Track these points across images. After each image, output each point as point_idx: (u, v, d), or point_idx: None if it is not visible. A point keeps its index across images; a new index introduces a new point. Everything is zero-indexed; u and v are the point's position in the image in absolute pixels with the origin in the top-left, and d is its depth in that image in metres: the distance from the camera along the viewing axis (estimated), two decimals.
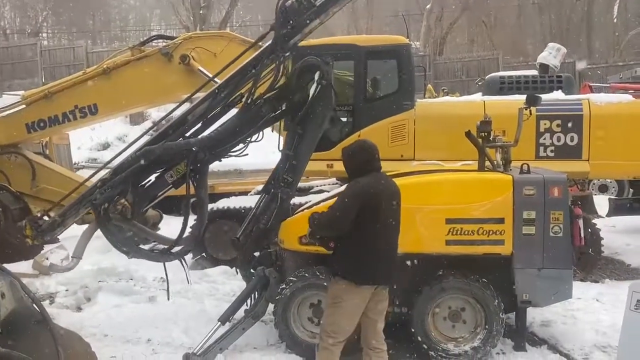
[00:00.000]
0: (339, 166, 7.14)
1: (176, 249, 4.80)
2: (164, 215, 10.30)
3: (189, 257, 7.96)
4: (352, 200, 3.61)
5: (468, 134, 5.05)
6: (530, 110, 5.21)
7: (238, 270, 5.21)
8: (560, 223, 4.50)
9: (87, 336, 5.33)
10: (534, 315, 5.51)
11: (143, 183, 4.64)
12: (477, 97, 7.87)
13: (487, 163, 5.08)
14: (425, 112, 7.37)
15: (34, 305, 3.81)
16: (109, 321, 5.73)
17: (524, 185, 4.52)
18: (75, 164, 14.21)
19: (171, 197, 11.55)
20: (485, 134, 5.14)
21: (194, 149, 4.41)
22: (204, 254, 7.79)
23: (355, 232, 3.60)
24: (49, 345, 3.66)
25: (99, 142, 18.21)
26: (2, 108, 9.27)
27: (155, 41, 9.90)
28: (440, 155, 6.62)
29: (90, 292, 6.56)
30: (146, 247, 4.99)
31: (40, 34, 33.83)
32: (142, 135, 4.94)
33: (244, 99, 4.54)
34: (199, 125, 4.61)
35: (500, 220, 4.54)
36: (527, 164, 4.78)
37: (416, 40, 28.95)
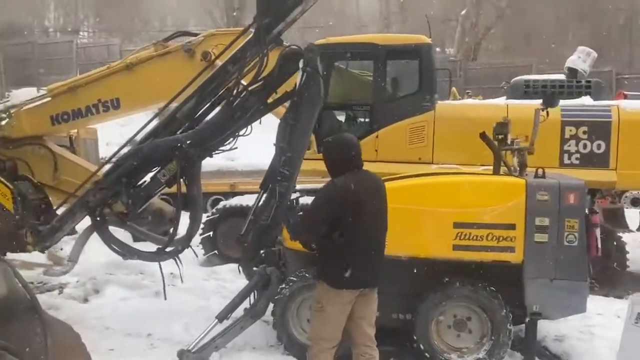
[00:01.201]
0: None
1: (169, 248, 4.72)
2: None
3: (200, 254, 7.97)
4: (325, 203, 3.47)
5: (483, 136, 4.84)
6: (547, 112, 4.96)
7: (241, 268, 5.11)
8: (575, 232, 4.25)
9: (88, 328, 5.34)
10: (548, 328, 5.24)
11: (139, 183, 4.59)
12: (501, 100, 7.61)
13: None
14: (446, 114, 7.15)
15: (26, 293, 3.80)
16: (113, 314, 5.71)
17: (538, 190, 4.29)
18: (102, 158, 14.44)
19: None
20: (502, 136, 4.93)
21: (183, 145, 4.33)
22: (215, 251, 7.74)
23: (335, 234, 3.44)
24: (38, 334, 3.62)
25: (128, 139, 18.43)
26: (29, 100, 9.47)
27: (180, 38, 9.95)
28: (460, 159, 6.41)
29: (99, 284, 6.57)
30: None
31: (80, 32, 34.72)
32: (140, 130, 4.87)
33: (229, 92, 4.45)
34: (188, 123, 4.53)
35: (511, 226, 4.31)
36: (543, 169, 4.54)
37: (450, 46, 28.66)
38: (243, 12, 24.75)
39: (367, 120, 7.40)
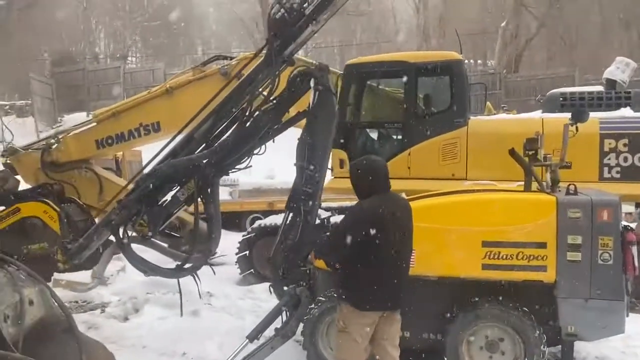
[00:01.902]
0: (391, 184, 7.10)
1: (188, 265, 4.83)
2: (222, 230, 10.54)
3: (236, 273, 8.09)
4: (351, 225, 3.49)
5: (512, 153, 4.76)
6: (577, 127, 4.84)
7: (272, 288, 5.16)
8: (610, 250, 4.11)
9: (126, 346, 5.51)
10: (588, 349, 5.05)
11: (160, 202, 4.72)
12: (536, 114, 7.46)
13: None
14: (479, 130, 7.06)
15: (63, 313, 3.96)
16: (150, 333, 5.86)
17: (569, 208, 4.18)
18: None
19: (230, 212, 11.79)
20: (532, 152, 4.84)
21: (200, 165, 4.44)
22: (251, 270, 7.83)
23: (358, 256, 3.46)
24: (73, 354, 3.77)
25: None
26: (75, 126, 9.93)
27: (217, 61, 10.24)
28: (495, 175, 6.29)
29: (139, 303, 6.75)
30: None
31: (128, 58, 36.11)
32: (160, 151, 5.02)
33: (241, 113, 4.55)
34: (205, 143, 4.65)
35: (542, 245, 4.21)
36: (575, 185, 4.42)
37: (492, 58, 28.26)
38: None
39: (399, 137, 7.39)
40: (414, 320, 4.53)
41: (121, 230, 4.60)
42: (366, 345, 3.58)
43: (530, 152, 4.83)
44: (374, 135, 7.70)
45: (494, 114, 8.73)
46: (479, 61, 34.72)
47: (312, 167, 4.19)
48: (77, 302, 7.15)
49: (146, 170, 4.86)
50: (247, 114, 4.52)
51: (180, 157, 4.65)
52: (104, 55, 39.00)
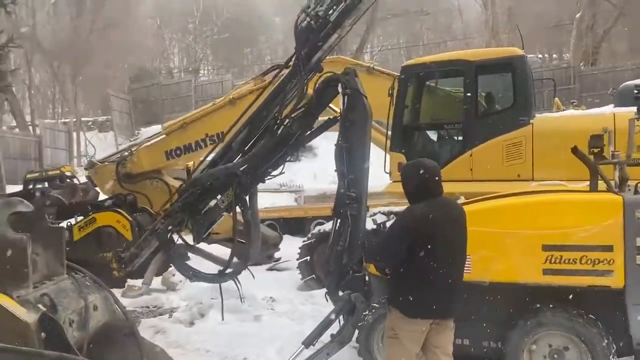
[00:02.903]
0: (450, 187, 6.89)
1: (229, 270, 4.92)
2: (286, 235, 10.74)
3: (297, 278, 8.17)
4: (400, 230, 3.42)
5: (575, 151, 4.51)
6: None
7: (328, 295, 5.17)
8: None
9: (191, 351, 5.70)
10: None
11: (204, 210, 4.85)
12: (607, 109, 7.03)
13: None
14: (544, 128, 6.74)
15: (126, 319, 4.16)
16: (214, 337, 6.01)
17: (637, 208, 3.90)
18: None
19: (294, 218, 11.96)
20: (598, 149, 4.56)
21: (237, 173, 4.53)
22: (313, 275, 7.88)
23: (407, 262, 3.38)
24: (135, 357, 3.95)
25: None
26: (147, 138, 10.45)
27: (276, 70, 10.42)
28: (563, 175, 5.98)
29: (204, 309, 6.96)
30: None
31: (199, 71, 37.54)
32: (203, 160, 5.16)
33: (273, 121, 4.60)
34: (242, 152, 4.73)
35: (608, 248, 3.96)
36: None
37: (567, 52, 26.96)
38: (346, 39, 25.23)
39: (460, 138, 7.20)
40: (473, 328, 4.40)
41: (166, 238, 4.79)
42: (418, 352, 3.50)
43: (596, 150, 4.56)
44: (434, 137, 7.54)
45: (563, 110, 8.32)
46: (554, 55, 33.25)
47: (352, 171, 4.17)
48: (148, 307, 7.48)
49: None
50: (277, 122, 4.58)
51: (219, 166, 4.78)
52: (177, 69, 40.77)
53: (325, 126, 4.72)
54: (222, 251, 5.78)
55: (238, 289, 5.06)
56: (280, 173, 4.72)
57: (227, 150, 4.81)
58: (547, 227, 4.14)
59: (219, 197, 4.77)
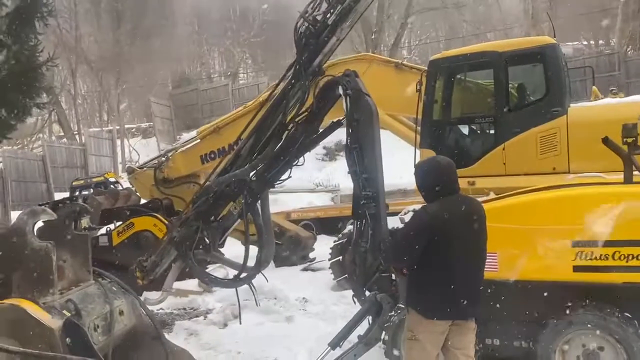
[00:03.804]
0: (483, 183, 6.74)
1: (244, 274, 4.93)
2: (323, 235, 10.74)
3: (330, 278, 8.14)
4: (415, 230, 3.34)
5: (606, 141, 4.32)
6: None
7: (355, 297, 5.12)
8: None
9: (223, 352, 5.78)
10: None
11: (217, 217, 4.88)
12: None
13: None
14: (580, 118, 6.46)
15: (152, 323, 4.24)
16: (246, 339, 6.07)
17: None
18: None
19: (329, 218, 11.94)
20: (632, 139, 4.34)
21: (244, 179, 4.54)
22: (345, 275, 7.84)
23: (424, 262, 3.30)
24: None
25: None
26: (183, 143, 10.66)
27: None
28: (600, 166, 5.72)
29: (237, 310, 7.01)
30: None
31: (238, 75, 38.00)
32: (216, 167, 5.20)
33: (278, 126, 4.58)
34: (250, 159, 4.74)
35: None
36: None
37: (613, 37, 25.91)
38: (381, 35, 25.06)
39: (491, 132, 7.00)
40: (502, 328, 4.28)
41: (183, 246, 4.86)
42: (437, 354, 3.42)
43: (629, 140, 4.34)
44: (464, 131, 7.36)
45: (601, 98, 7.97)
46: (601, 41, 31.99)
47: (365, 170, 4.12)
48: (184, 309, 7.62)
49: None
50: (281, 127, 4.59)
51: (229, 172, 4.83)
52: (217, 74, 41.38)
53: (332, 129, 4.70)
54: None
55: (253, 293, 5.12)
56: (288, 177, 4.72)
57: (236, 158, 4.85)
58: (576, 222, 3.97)
59: (231, 203, 4.81)
